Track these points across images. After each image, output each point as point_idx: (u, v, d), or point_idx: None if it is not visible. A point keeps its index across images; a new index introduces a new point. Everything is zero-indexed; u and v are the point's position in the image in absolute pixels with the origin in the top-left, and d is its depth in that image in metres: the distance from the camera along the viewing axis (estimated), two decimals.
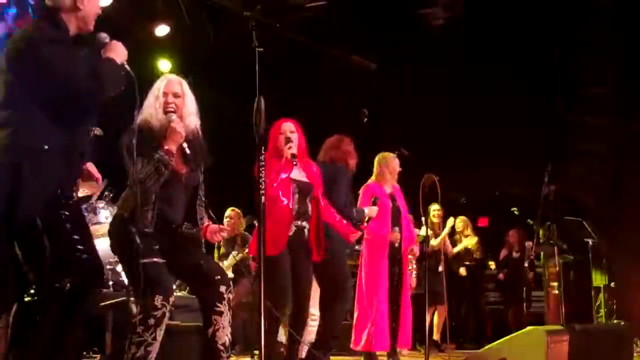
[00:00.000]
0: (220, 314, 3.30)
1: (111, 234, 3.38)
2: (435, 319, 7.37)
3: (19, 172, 2.62)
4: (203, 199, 3.52)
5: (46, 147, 2.71)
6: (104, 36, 2.98)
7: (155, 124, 3.25)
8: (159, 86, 3.37)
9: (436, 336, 7.35)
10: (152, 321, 3.13)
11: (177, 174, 3.34)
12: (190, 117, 3.40)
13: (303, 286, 4.35)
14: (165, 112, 3.32)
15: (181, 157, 3.35)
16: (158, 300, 3.13)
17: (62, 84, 2.70)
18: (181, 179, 3.38)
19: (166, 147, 3.25)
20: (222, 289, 3.33)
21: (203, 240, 3.52)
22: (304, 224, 4.36)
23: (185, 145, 3.33)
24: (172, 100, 3.36)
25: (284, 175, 4.23)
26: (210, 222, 3.56)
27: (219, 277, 3.36)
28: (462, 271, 7.93)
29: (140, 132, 3.19)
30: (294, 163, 4.25)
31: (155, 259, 3.19)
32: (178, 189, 3.38)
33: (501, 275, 8.35)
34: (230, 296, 3.37)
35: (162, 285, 3.16)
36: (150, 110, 3.32)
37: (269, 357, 2.58)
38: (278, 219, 4.18)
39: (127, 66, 2.96)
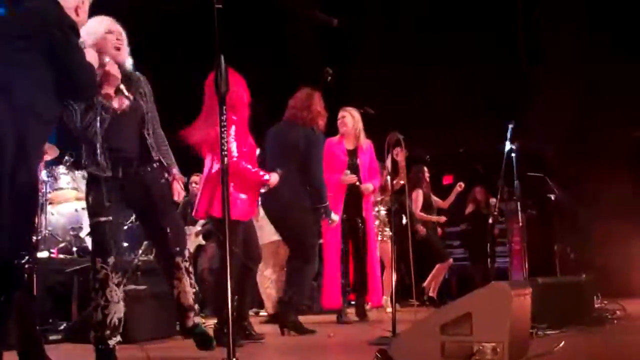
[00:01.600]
0: (180, 279, 3.41)
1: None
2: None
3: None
4: (151, 130, 3.40)
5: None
6: None
7: None
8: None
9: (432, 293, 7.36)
10: (97, 284, 3.17)
11: (120, 112, 3.27)
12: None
13: (255, 241, 4.38)
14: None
15: (120, 93, 3.28)
16: (98, 262, 3.17)
17: (78, 66, 2.83)
18: (125, 114, 3.30)
19: (104, 92, 3.17)
20: (178, 259, 3.41)
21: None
22: None
23: (122, 87, 3.26)
24: None
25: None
26: (176, 175, 3.54)
27: (177, 248, 3.41)
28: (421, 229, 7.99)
29: None
30: None
31: (101, 219, 3.18)
32: (124, 125, 3.31)
33: (463, 226, 8.48)
34: (187, 264, 3.44)
35: (101, 246, 3.19)
36: None
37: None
38: (253, 185, 4.15)
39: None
